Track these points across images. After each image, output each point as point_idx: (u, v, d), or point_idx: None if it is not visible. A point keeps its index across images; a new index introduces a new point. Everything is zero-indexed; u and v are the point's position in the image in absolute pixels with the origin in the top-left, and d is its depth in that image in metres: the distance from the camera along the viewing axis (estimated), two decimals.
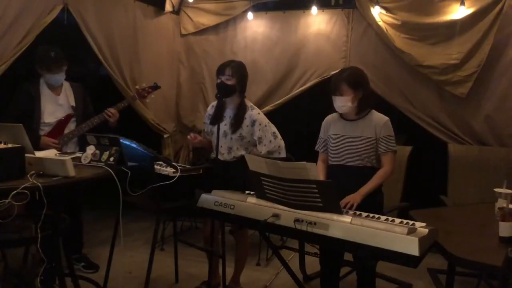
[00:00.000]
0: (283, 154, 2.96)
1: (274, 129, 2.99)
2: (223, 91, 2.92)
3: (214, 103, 3.11)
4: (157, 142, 4.64)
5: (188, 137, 3.16)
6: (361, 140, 2.61)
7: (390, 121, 2.65)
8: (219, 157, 2.90)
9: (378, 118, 2.65)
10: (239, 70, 2.97)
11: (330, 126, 2.75)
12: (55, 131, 3.25)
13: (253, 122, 2.95)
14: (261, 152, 2.92)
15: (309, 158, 2.25)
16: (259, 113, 3.00)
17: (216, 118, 2.99)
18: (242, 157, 2.77)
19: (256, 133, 2.94)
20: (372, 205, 2.45)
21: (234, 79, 2.93)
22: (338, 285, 2.85)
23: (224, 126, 2.98)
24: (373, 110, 2.69)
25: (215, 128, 2.93)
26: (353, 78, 2.61)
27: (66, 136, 3.26)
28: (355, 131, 2.64)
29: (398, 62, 4.07)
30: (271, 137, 2.94)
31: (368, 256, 2.23)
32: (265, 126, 2.96)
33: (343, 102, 2.59)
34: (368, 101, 2.65)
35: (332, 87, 2.63)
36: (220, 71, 2.96)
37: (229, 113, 3.01)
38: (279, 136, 2.98)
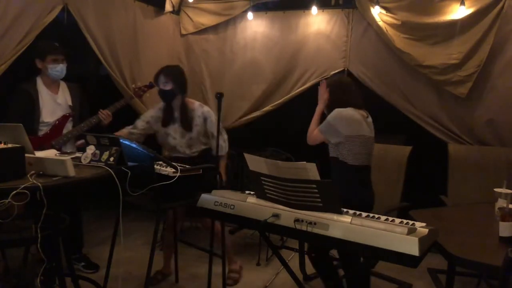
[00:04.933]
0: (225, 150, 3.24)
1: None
2: (164, 97, 3.17)
3: (160, 105, 3.29)
4: (157, 142, 4.63)
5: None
6: None
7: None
8: (180, 154, 3.20)
9: None
10: (173, 73, 3.17)
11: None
12: (53, 131, 3.25)
13: (205, 119, 3.20)
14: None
15: (309, 158, 2.25)
16: (209, 111, 3.25)
17: (167, 120, 3.23)
18: (203, 150, 3.21)
19: (210, 128, 3.19)
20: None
21: (170, 83, 3.12)
22: (338, 285, 2.85)
23: (178, 127, 3.20)
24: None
25: (169, 129, 3.22)
26: None
27: (65, 136, 3.26)
28: None
29: (398, 62, 4.07)
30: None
31: (368, 256, 2.23)
32: (214, 122, 3.18)
33: None
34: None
35: None
36: (156, 80, 3.18)
37: (176, 115, 3.21)
38: (223, 133, 3.24)
